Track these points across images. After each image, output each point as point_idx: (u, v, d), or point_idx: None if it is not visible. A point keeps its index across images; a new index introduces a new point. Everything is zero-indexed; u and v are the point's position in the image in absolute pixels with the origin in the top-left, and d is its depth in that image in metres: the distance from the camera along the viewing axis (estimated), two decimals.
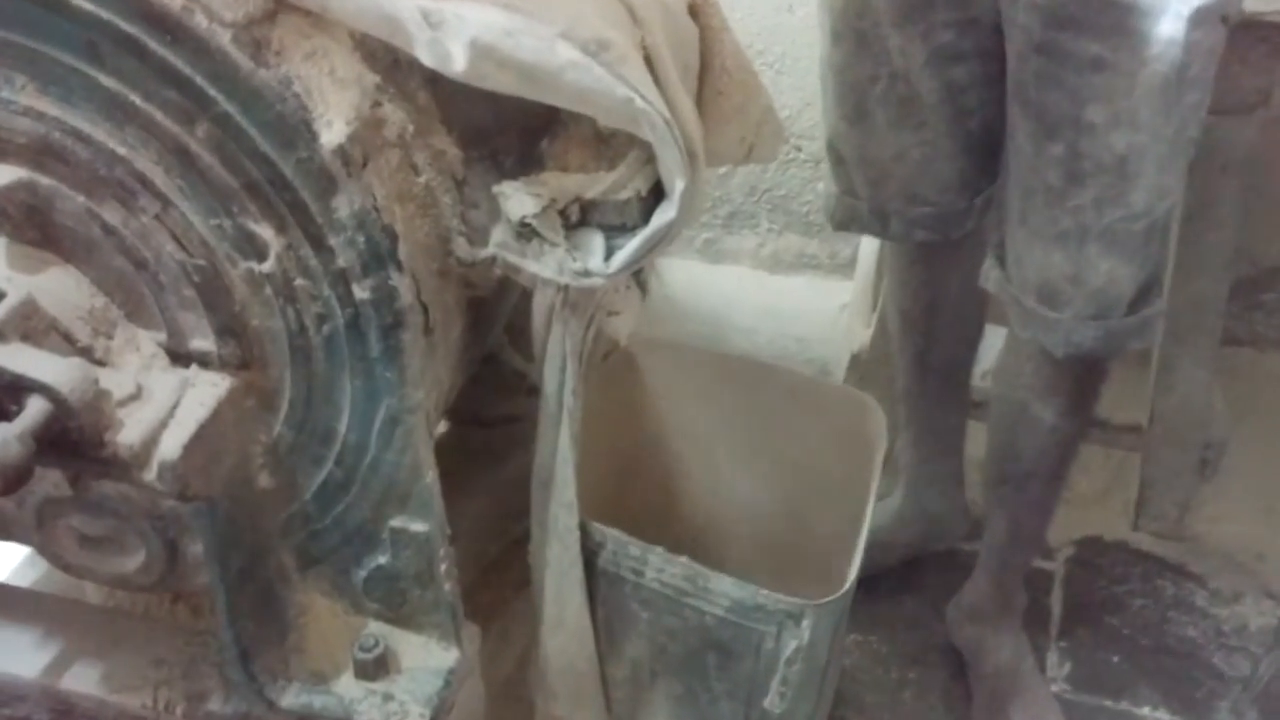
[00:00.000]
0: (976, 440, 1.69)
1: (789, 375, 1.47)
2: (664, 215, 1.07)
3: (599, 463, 1.39)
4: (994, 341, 1.72)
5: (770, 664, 1.27)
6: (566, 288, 1.14)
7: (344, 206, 1.05)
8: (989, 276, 1.44)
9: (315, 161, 1.03)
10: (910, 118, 1.44)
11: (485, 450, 1.55)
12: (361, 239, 1.06)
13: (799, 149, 2.01)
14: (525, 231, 1.09)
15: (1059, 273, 1.34)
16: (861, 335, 1.80)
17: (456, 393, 1.33)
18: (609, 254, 1.10)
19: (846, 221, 1.56)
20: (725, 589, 1.25)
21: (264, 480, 1.22)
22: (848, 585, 1.25)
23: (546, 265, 1.10)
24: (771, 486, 1.46)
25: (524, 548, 1.45)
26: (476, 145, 1.11)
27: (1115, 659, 1.72)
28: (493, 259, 1.15)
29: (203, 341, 1.14)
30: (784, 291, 2.11)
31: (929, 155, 1.47)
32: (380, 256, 1.07)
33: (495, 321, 1.37)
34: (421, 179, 1.10)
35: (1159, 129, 1.25)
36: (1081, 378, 1.44)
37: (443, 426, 1.55)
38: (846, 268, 2.08)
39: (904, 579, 1.80)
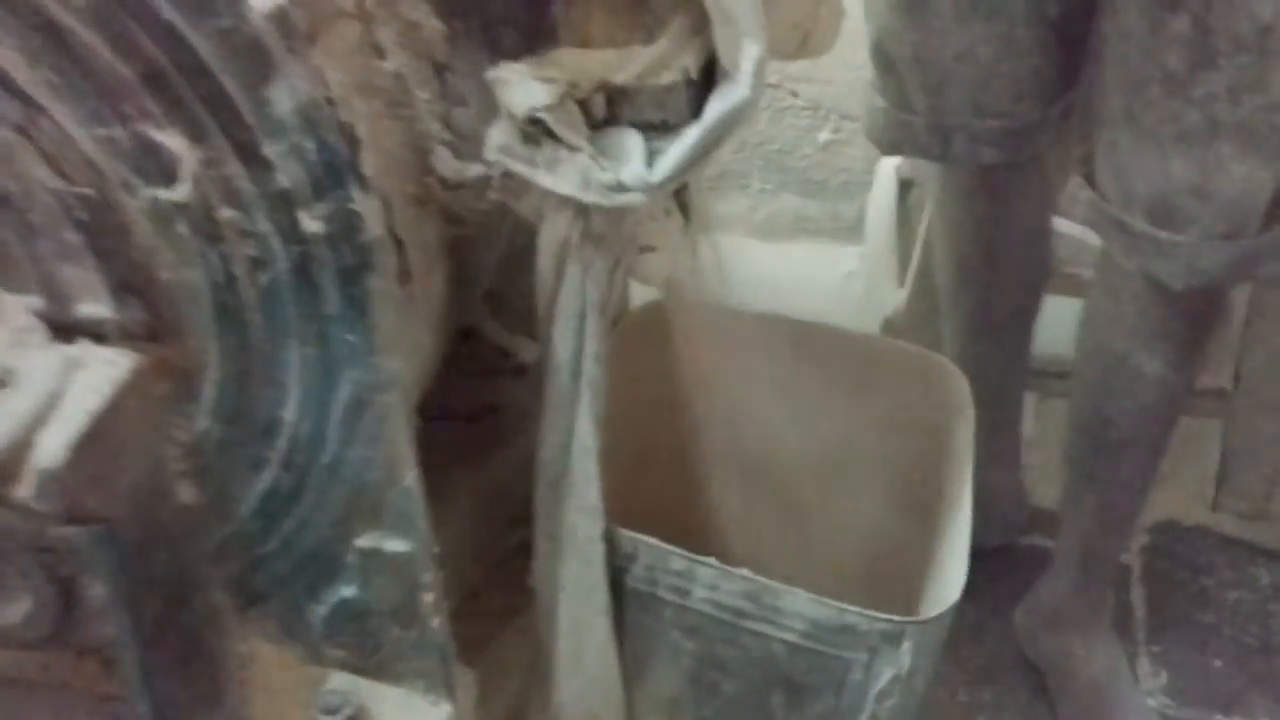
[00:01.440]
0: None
1: (848, 338, 1.19)
2: (731, 96, 0.78)
3: (616, 444, 1.10)
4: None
5: (856, 701, 0.99)
6: (588, 211, 0.85)
7: (283, 98, 0.75)
8: (1075, 199, 1.18)
9: (242, 34, 0.73)
10: (979, 5, 1.19)
11: (461, 449, 1.25)
12: (310, 145, 0.77)
13: (794, 94, 1.76)
14: (533, 132, 0.80)
15: (1180, 183, 1.10)
16: (894, 297, 1.53)
17: (436, 368, 1.03)
18: (649, 161, 0.81)
19: (898, 142, 1.31)
20: (801, 608, 0.96)
21: (185, 493, 0.92)
22: (957, 597, 0.97)
23: (564, 178, 0.81)
24: (824, 477, 1.17)
25: (507, 568, 1.18)
26: (464, 15, 0.81)
27: (1217, 663, 1.47)
28: (486, 180, 0.86)
29: (94, 305, 0.84)
30: (781, 260, 1.84)
31: (1000, 52, 1.21)
32: (336, 171, 0.78)
33: (479, 276, 1.08)
34: (389, 65, 0.81)
35: None
36: (1199, 316, 1.21)
37: None
38: (850, 231, 1.82)
39: None
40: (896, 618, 0.95)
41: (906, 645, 0.95)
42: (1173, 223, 1.12)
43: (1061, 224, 1.71)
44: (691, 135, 0.79)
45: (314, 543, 0.94)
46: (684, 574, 0.99)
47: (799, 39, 0.98)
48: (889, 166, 1.74)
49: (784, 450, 1.14)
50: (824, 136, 1.77)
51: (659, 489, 1.18)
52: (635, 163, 0.81)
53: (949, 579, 0.98)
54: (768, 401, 1.14)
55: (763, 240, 1.88)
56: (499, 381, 1.25)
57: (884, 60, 1.28)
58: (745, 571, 0.97)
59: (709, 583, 0.98)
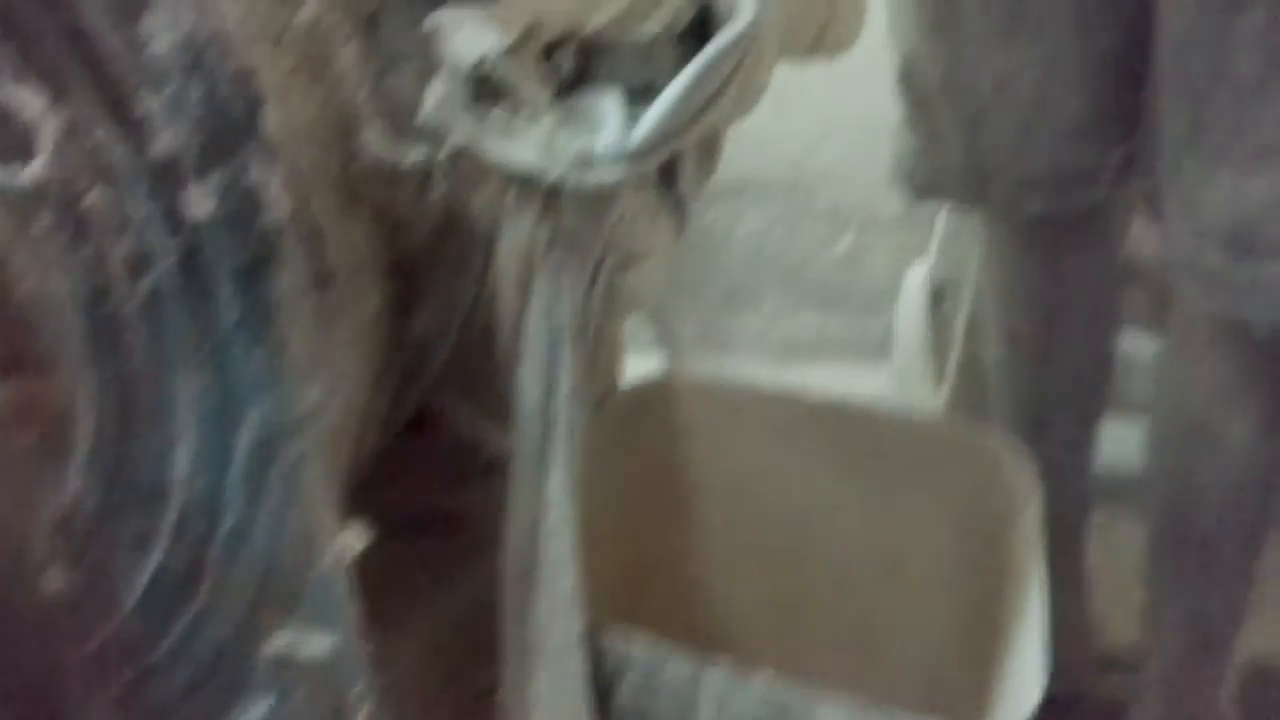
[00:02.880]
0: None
1: (890, 419, 1.01)
2: (732, 27, 0.62)
3: (609, 553, 0.91)
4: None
5: None
6: (558, 205, 0.68)
7: (164, 31, 0.59)
8: (1142, 242, 1.02)
9: None
10: (1020, 24, 1.04)
11: (423, 568, 1.06)
12: (196, 94, 0.60)
13: (811, 198, 1.60)
14: (483, 91, 0.64)
15: (1260, 204, 0.95)
16: (933, 398, 1.35)
17: (372, 442, 0.85)
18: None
19: (931, 183, 1.15)
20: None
21: (53, 580, 0.73)
22: (1034, 705, 0.77)
23: (521, 146, 0.64)
24: (862, 576, 0.98)
25: (477, 714, 0.97)
26: None
27: None
28: (429, 166, 0.69)
29: None
30: (801, 385, 1.66)
31: (1045, 82, 1.06)
32: (230, 129, 0.61)
33: (434, 336, 0.90)
34: (305, 14, 0.65)
35: None
36: None
37: (357, 543, 1.07)
38: (877, 349, 1.64)
39: None
40: None
41: None
42: (1254, 253, 0.96)
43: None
44: (683, 80, 0.62)
45: (215, 645, 0.74)
46: (688, 683, 0.78)
47: (815, 32, 0.82)
48: (918, 274, 1.58)
49: (818, 544, 0.95)
50: (844, 245, 1.63)
51: (664, 599, 0.98)
52: (611, 128, 0.64)
53: (1023, 682, 0.78)
54: (793, 489, 0.95)
55: (780, 364, 1.71)
56: (469, 483, 1.06)
57: (914, 90, 1.13)
58: (768, 676, 0.76)
59: (719, 693, 0.77)
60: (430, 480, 1.06)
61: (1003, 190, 1.11)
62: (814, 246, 1.64)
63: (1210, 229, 0.97)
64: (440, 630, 1.04)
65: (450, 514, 1.08)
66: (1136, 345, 1.36)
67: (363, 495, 1.01)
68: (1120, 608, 1.34)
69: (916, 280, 1.58)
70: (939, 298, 1.55)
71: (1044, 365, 1.22)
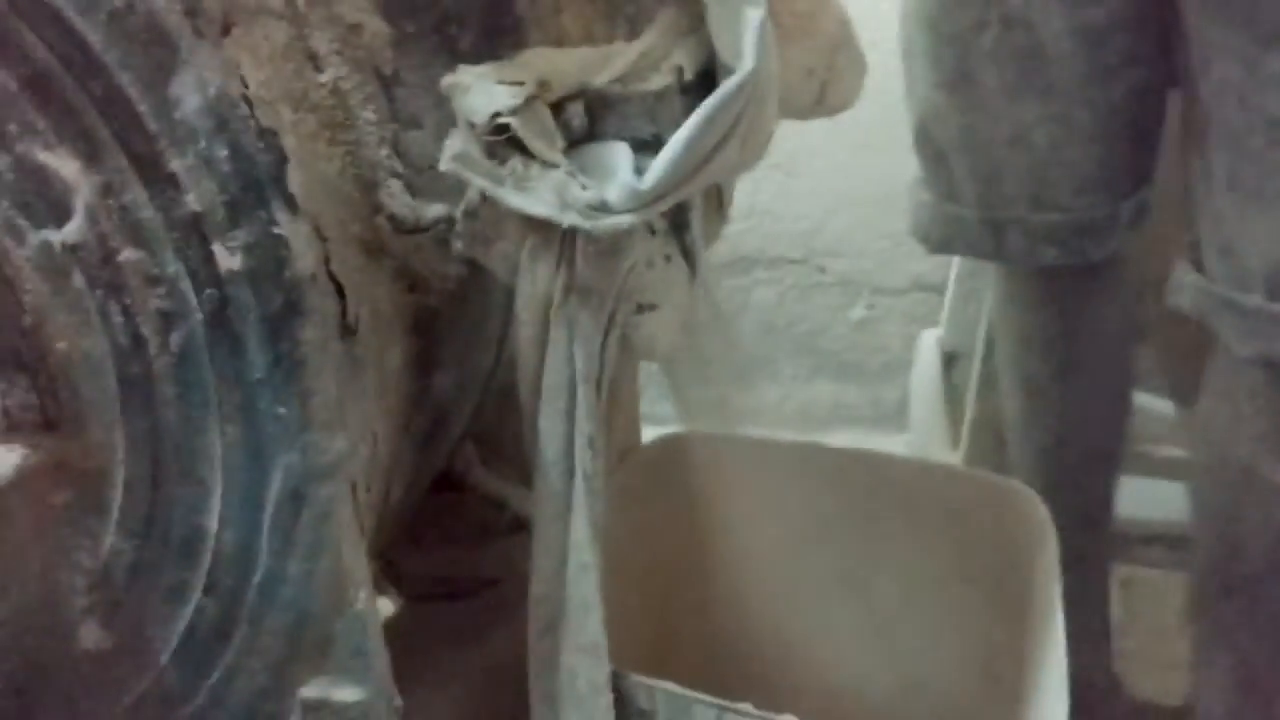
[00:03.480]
0: None
1: (908, 466, 1.02)
2: (733, 78, 0.65)
3: (635, 605, 0.92)
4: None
5: None
6: (573, 258, 0.70)
7: (191, 94, 0.62)
8: (1182, 287, 1.03)
9: (139, 12, 0.61)
10: (1032, 80, 1.06)
11: (451, 632, 1.07)
12: (223, 153, 0.63)
13: (822, 270, 1.63)
14: (498, 144, 0.66)
15: None
16: (949, 460, 1.35)
17: (398, 497, 0.86)
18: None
19: (947, 239, 1.17)
20: None
21: (90, 636, 0.74)
22: None
23: (537, 196, 0.67)
24: (884, 626, 0.98)
25: None
26: (412, 14, 0.69)
27: None
28: (448, 223, 0.71)
29: None
30: None
31: (1058, 137, 1.07)
32: (256, 186, 0.64)
33: (456, 408, 0.92)
34: (325, 76, 0.68)
35: None
36: None
37: (386, 606, 1.08)
38: (894, 417, 1.66)
39: None
40: None
41: None
42: None
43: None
44: (689, 127, 0.65)
45: (249, 696, 0.75)
46: None
47: (815, 91, 0.85)
48: (930, 340, 1.59)
49: (840, 590, 0.95)
50: (857, 314, 1.64)
51: (690, 650, 0.98)
52: (621, 177, 0.67)
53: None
54: (813, 537, 0.96)
55: (798, 433, 1.71)
56: (493, 547, 1.07)
57: (929, 147, 1.14)
58: (789, 717, 0.77)
59: None
60: (456, 542, 1.07)
61: (1018, 242, 1.12)
62: (827, 317, 1.66)
63: (1250, 273, 0.97)
64: (469, 691, 1.05)
65: (476, 575, 1.09)
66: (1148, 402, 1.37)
67: (391, 557, 1.03)
68: (1142, 664, 1.34)
69: (929, 346, 1.59)
70: (950, 363, 1.57)
71: (1062, 416, 1.23)
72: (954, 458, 1.38)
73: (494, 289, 0.88)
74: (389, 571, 1.05)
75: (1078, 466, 1.24)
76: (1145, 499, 1.46)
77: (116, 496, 0.71)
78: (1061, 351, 1.21)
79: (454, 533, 1.05)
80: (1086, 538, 1.25)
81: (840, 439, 1.73)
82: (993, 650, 0.97)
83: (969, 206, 1.14)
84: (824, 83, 0.85)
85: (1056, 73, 1.05)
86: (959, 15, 1.07)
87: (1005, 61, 1.06)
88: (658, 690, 0.80)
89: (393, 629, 0.83)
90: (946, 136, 1.12)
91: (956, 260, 1.55)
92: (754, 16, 0.64)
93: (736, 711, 0.78)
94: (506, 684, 1.02)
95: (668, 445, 1.02)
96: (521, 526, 1.06)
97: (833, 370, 1.68)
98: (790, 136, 1.53)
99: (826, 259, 1.62)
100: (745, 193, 1.59)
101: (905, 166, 1.54)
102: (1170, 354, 1.52)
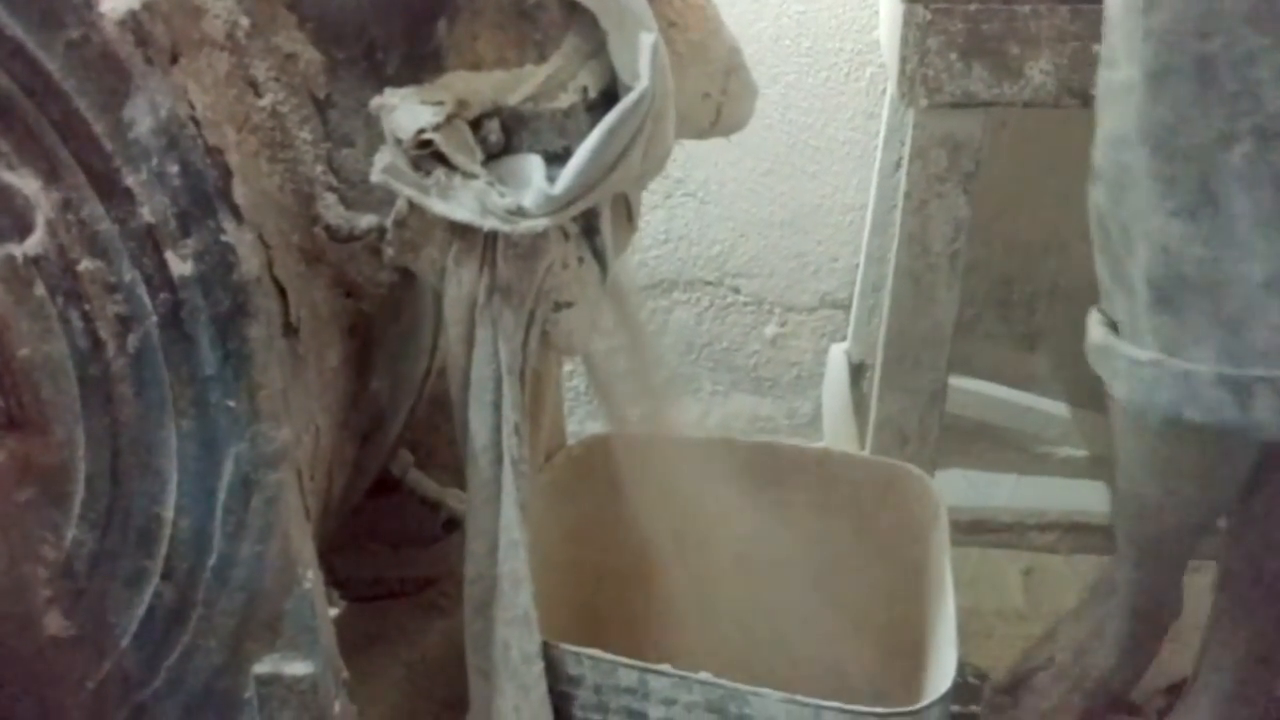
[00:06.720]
0: None
1: (811, 455, 1.10)
2: (631, 94, 0.73)
3: (564, 594, 0.99)
4: None
5: None
6: (494, 263, 0.77)
7: (144, 116, 0.69)
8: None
9: (94, 43, 0.68)
10: None
11: (391, 630, 1.13)
12: (174, 169, 0.70)
13: (736, 290, 1.70)
14: (423, 158, 0.74)
15: None
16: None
17: (341, 491, 0.93)
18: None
19: (1175, 401, 0.96)
20: (772, 711, 0.83)
21: (54, 625, 0.80)
22: (948, 685, 0.85)
23: (459, 203, 0.74)
24: (797, 600, 1.05)
25: None
26: (342, 43, 0.76)
27: None
28: (379, 232, 0.79)
29: None
30: None
31: None
32: (204, 198, 0.71)
33: (391, 418, 0.98)
34: (265, 101, 0.75)
35: None
36: None
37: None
38: (810, 427, 1.74)
39: None
40: (881, 710, 0.82)
41: None
42: None
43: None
44: (594, 138, 0.73)
45: (205, 674, 0.81)
46: (637, 689, 0.86)
47: (711, 112, 0.93)
48: (838, 353, 1.68)
49: (755, 568, 1.03)
50: (770, 331, 1.71)
51: (615, 636, 1.05)
52: (536, 185, 0.74)
53: (940, 669, 0.86)
54: (732, 525, 1.04)
55: None
56: (430, 549, 1.13)
57: (1163, 288, 0.94)
58: (705, 675, 0.84)
59: (666, 694, 0.85)
60: (394, 544, 1.13)
61: (1268, 406, 0.93)
62: (741, 335, 1.73)
63: None
64: (413, 675, 1.10)
65: (413, 577, 1.16)
66: None
67: (331, 563, 1.09)
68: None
69: (837, 359, 1.68)
70: (858, 373, 1.65)
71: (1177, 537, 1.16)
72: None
73: (425, 302, 0.96)
74: (330, 576, 1.11)
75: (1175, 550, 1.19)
76: (1045, 494, 1.56)
77: (78, 491, 0.77)
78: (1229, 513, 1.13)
79: (392, 535, 1.12)
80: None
81: None
82: (894, 621, 1.04)
83: (1205, 362, 0.94)
84: (719, 105, 0.93)
85: None
86: (1201, 127, 0.89)
87: (1261, 184, 0.89)
88: (585, 656, 0.87)
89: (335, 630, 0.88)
90: (1185, 274, 0.93)
91: (859, 276, 1.64)
92: (647, 40, 0.72)
93: (657, 672, 0.85)
94: (441, 676, 1.09)
95: (591, 445, 1.09)
96: (456, 527, 1.13)
97: (749, 384, 1.76)
98: (703, 165, 1.63)
99: (740, 280, 1.69)
100: (661, 220, 1.67)
101: (809, 191, 1.64)
102: (1064, 360, 1.62)
